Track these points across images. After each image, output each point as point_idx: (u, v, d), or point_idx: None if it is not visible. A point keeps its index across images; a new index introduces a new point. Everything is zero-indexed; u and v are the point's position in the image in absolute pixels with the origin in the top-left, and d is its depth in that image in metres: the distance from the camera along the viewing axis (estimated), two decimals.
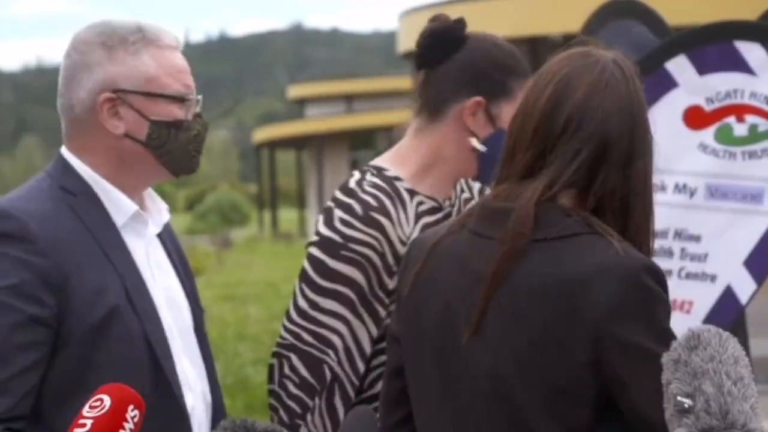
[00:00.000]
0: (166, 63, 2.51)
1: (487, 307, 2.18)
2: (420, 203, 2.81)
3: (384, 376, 2.42)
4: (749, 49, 3.84)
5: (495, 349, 2.17)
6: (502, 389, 2.16)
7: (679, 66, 3.94)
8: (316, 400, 2.73)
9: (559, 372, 2.12)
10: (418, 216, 2.79)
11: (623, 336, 2.10)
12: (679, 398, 1.98)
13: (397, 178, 2.81)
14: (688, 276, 3.93)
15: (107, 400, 1.91)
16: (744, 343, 3.74)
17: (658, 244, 3.95)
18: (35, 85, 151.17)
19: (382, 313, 2.73)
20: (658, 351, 2.06)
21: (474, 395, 2.20)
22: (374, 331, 2.73)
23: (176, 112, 2.51)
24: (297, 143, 41.95)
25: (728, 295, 3.88)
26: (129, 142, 2.50)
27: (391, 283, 2.70)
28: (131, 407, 1.92)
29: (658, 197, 4.02)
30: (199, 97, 2.57)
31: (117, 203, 2.51)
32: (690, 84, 3.92)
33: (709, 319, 3.85)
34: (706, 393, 1.96)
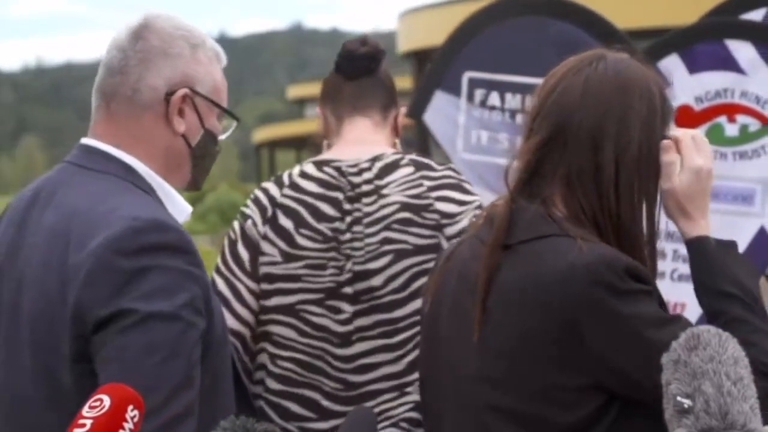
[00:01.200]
0: (223, 79, 2.48)
1: (482, 312, 2.20)
2: None
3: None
4: (740, 48, 3.84)
5: (484, 352, 2.20)
6: (488, 392, 2.19)
7: (671, 65, 3.93)
8: None
9: (534, 374, 2.15)
10: None
11: (589, 329, 2.14)
12: (678, 398, 1.98)
13: None
14: (681, 278, 3.93)
15: (107, 400, 1.91)
16: None
17: None
18: (35, 85, 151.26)
19: None
20: (631, 331, 2.14)
21: (468, 399, 2.23)
22: None
23: (218, 127, 2.48)
24: (297, 143, 42.00)
25: None
26: (181, 142, 2.41)
27: None
28: (131, 407, 1.92)
29: None
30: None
31: (175, 203, 2.42)
32: (680, 83, 3.91)
33: (702, 321, 3.85)
34: (706, 393, 1.96)
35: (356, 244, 2.96)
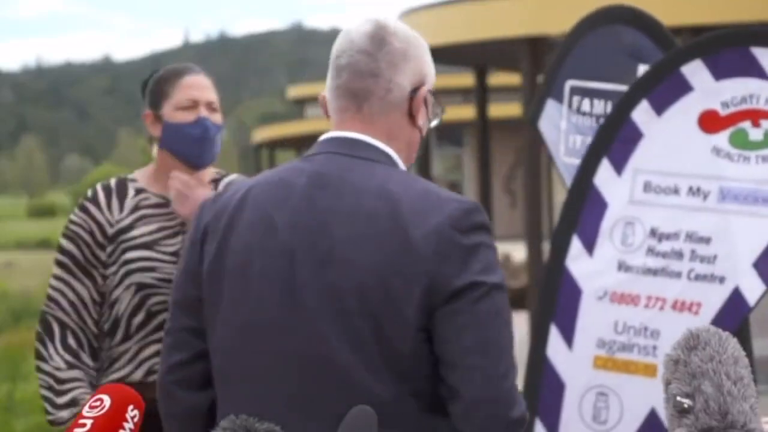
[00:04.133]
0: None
1: None
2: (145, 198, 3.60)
3: None
4: (766, 55, 3.90)
5: None
6: None
7: (694, 70, 4.01)
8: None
9: None
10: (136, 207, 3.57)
11: None
12: (678, 398, 1.98)
13: (134, 180, 3.62)
14: (697, 278, 3.98)
15: (107, 400, 1.91)
16: (747, 343, 3.76)
17: (668, 245, 3.99)
18: (35, 85, 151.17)
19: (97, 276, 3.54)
20: None
21: None
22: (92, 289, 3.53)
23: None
24: (297, 143, 41.95)
25: (736, 297, 3.91)
26: (418, 135, 2.65)
27: (102, 255, 3.52)
28: (131, 407, 1.92)
29: (670, 200, 4.08)
30: None
31: None
32: (706, 88, 4.00)
33: (716, 321, 3.89)
34: (706, 393, 1.96)
35: None
